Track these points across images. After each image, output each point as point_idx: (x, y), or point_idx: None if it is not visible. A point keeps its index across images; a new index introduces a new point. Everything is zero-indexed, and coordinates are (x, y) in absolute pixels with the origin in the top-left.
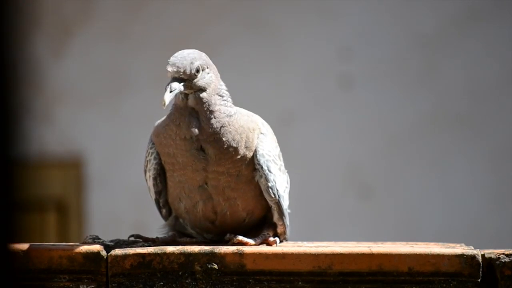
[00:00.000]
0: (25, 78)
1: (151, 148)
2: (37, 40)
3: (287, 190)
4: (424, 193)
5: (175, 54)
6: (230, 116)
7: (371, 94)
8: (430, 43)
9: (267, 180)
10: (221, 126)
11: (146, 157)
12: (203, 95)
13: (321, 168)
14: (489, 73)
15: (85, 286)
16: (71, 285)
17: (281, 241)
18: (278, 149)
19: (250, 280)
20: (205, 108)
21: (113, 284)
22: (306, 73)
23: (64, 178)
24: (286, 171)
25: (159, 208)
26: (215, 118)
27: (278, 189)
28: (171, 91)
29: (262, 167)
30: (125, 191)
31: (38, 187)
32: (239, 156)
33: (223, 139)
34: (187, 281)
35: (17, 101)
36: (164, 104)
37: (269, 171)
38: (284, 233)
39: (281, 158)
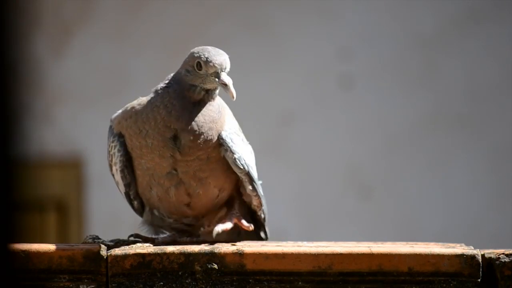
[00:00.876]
0: (25, 78)
1: (112, 142)
2: (37, 40)
3: (253, 160)
4: (424, 193)
5: (218, 51)
6: (219, 112)
7: (371, 94)
8: (430, 43)
9: (232, 152)
10: (211, 122)
11: (109, 151)
12: (216, 91)
13: (321, 168)
14: (489, 73)
15: (85, 286)
16: (71, 285)
17: (258, 215)
18: (237, 124)
19: (250, 280)
20: (208, 105)
21: (113, 284)
22: (306, 73)
23: (64, 178)
24: (248, 142)
25: (130, 201)
26: (210, 114)
27: (245, 159)
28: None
29: (225, 141)
30: None
31: (38, 187)
32: (210, 145)
33: (206, 134)
34: (187, 281)
35: (17, 101)
36: (234, 97)
37: (233, 142)
38: (260, 204)
39: (241, 131)
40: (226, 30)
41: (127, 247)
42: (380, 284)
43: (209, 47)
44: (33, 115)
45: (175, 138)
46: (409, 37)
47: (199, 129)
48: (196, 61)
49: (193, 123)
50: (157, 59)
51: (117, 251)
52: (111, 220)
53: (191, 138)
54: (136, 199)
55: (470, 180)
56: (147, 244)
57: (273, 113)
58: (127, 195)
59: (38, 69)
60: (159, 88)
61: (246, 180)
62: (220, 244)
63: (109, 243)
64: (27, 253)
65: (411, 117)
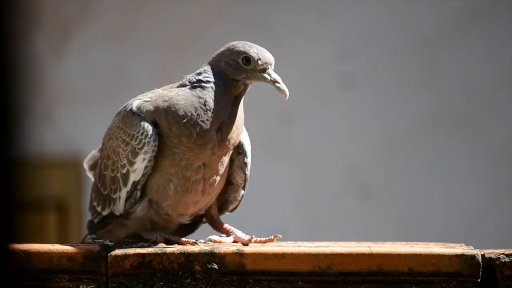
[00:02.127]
0: (25, 78)
1: (147, 130)
2: (37, 40)
3: None
4: (424, 193)
5: (261, 47)
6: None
7: (371, 94)
8: (430, 43)
9: (245, 155)
10: (242, 119)
11: (137, 138)
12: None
13: (321, 168)
14: (489, 73)
15: (85, 286)
16: (71, 285)
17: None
18: None
19: (250, 280)
20: (241, 102)
21: (113, 284)
22: (306, 73)
23: (64, 178)
24: None
25: (133, 191)
26: (242, 112)
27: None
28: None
29: (243, 145)
30: None
31: (38, 187)
32: (236, 142)
33: (238, 130)
34: (187, 281)
35: (17, 101)
36: (287, 95)
37: (248, 148)
38: (234, 209)
39: None
40: (226, 30)
41: (127, 247)
42: (380, 284)
43: (249, 42)
44: (33, 115)
45: (218, 130)
46: (409, 37)
47: (236, 124)
48: (243, 56)
49: (234, 117)
50: (157, 59)
51: (117, 251)
52: None
53: (230, 131)
54: (141, 189)
55: (470, 180)
56: (147, 244)
57: (273, 113)
58: (134, 184)
59: (38, 69)
60: (195, 80)
61: (242, 185)
62: (220, 244)
63: (109, 243)
64: (27, 253)
65: (411, 117)
